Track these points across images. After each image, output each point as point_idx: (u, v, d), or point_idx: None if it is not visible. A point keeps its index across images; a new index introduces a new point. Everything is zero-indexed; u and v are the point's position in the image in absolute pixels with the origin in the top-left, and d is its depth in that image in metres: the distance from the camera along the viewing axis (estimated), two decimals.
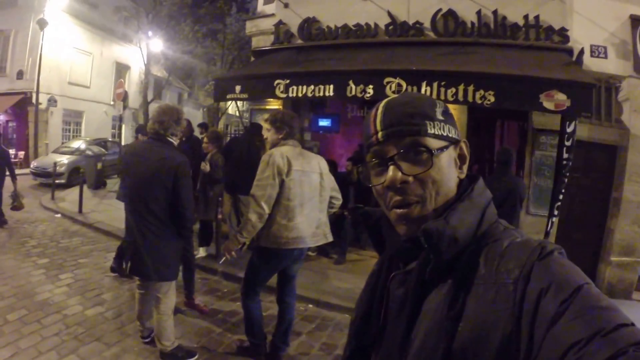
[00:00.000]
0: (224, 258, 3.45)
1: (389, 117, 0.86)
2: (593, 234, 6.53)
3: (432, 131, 0.84)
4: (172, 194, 3.14)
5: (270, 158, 3.17)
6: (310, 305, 4.93)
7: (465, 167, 0.91)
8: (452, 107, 6.26)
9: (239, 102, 24.45)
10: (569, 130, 5.09)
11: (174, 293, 3.50)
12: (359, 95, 5.45)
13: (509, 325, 0.68)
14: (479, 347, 0.70)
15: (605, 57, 6.26)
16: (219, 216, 6.15)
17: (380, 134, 0.86)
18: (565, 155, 5.11)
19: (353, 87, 5.46)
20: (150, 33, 20.31)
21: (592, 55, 6.21)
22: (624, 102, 6.29)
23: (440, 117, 0.86)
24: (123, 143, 15.10)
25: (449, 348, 0.73)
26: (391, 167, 0.84)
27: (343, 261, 6.42)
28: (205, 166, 5.69)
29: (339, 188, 3.69)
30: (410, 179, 0.83)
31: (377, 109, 0.88)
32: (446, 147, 0.86)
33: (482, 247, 0.80)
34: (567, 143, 5.10)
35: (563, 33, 6.13)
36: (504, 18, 6.38)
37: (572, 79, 4.88)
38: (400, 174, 0.82)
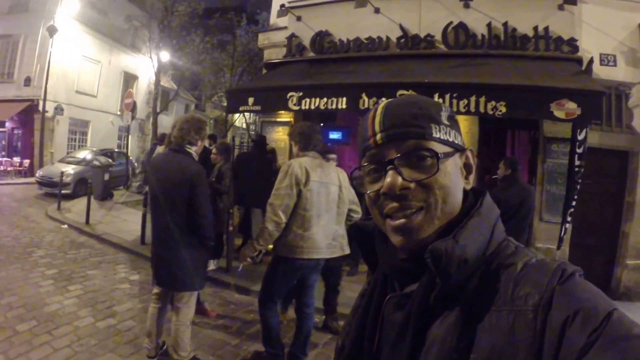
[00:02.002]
0: (241, 265, 3.52)
1: (390, 118, 0.77)
2: (607, 238, 6.58)
3: (438, 135, 0.77)
4: (189, 204, 3.13)
5: (290, 168, 3.22)
6: (324, 317, 4.88)
7: (471, 178, 0.83)
8: (463, 118, 6.29)
9: (246, 114, 24.66)
10: (580, 137, 5.15)
11: (194, 303, 3.47)
12: (372, 107, 5.43)
13: (529, 357, 0.61)
14: None
15: (615, 65, 6.38)
16: (230, 228, 6.12)
17: (379, 136, 0.78)
18: (577, 163, 5.18)
19: (366, 99, 5.50)
20: (160, 43, 20.38)
21: (601, 64, 6.31)
22: (635, 108, 6.41)
23: (446, 122, 0.79)
24: (129, 154, 15.16)
25: None
26: (390, 172, 0.75)
27: (356, 272, 6.36)
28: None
29: None
30: (412, 185, 0.75)
31: (376, 109, 0.81)
32: (452, 154, 0.78)
33: (493, 269, 0.72)
34: (579, 150, 5.17)
35: (572, 43, 6.19)
36: (514, 30, 6.44)
37: (582, 88, 4.95)
38: (400, 179, 0.74)
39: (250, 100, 6.15)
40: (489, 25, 6.52)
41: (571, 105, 4.76)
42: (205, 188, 3.21)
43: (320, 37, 7.41)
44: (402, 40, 6.95)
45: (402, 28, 6.96)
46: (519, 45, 6.40)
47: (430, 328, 0.73)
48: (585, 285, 0.65)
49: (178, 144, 3.27)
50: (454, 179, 0.77)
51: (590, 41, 6.27)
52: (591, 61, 5.57)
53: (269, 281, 3.44)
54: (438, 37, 6.77)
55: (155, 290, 3.50)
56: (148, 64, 21.72)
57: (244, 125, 26.82)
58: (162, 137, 7.42)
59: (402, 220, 0.75)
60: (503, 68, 5.99)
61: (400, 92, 5.29)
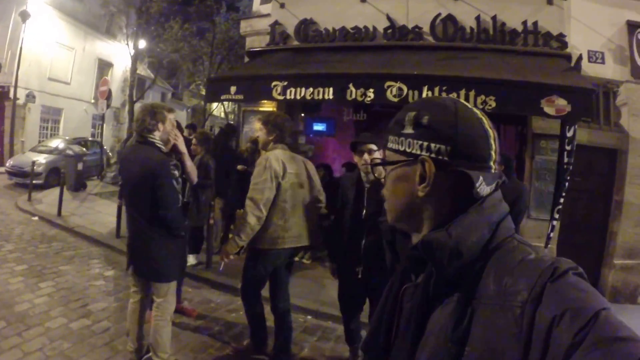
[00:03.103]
0: (222, 263, 3.45)
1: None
2: (595, 237, 6.59)
3: (391, 145, 0.88)
4: (152, 196, 3.01)
5: (267, 162, 3.29)
6: (310, 317, 4.74)
7: (424, 186, 0.82)
8: None
9: (225, 104, 24.24)
10: (569, 134, 5.14)
11: (173, 297, 3.32)
12: (359, 99, 5.34)
13: (516, 355, 0.62)
14: None
15: (603, 63, 6.39)
16: (211, 221, 5.91)
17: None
18: (565, 160, 5.18)
19: (353, 90, 5.34)
20: (138, 29, 19.76)
21: (589, 61, 6.31)
22: (622, 107, 6.41)
23: (409, 131, 0.84)
24: (104, 143, 14.68)
25: None
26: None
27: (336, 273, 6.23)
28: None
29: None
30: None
31: None
32: (400, 164, 0.86)
33: (491, 263, 0.74)
34: (568, 147, 5.17)
35: (561, 39, 6.16)
36: (503, 24, 6.37)
37: (572, 85, 4.94)
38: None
39: (233, 88, 5.90)
40: (477, 18, 6.41)
41: (561, 102, 4.75)
42: (166, 180, 3.04)
43: (305, 26, 7.16)
44: (389, 31, 6.78)
45: (389, 18, 6.78)
46: (508, 40, 6.33)
47: (430, 317, 0.78)
48: (577, 283, 0.65)
49: (140, 135, 3.16)
50: (392, 185, 0.88)
51: (578, 37, 6.25)
52: (580, 58, 5.61)
53: (251, 275, 3.48)
54: (426, 28, 6.63)
55: (133, 287, 3.35)
56: (124, 51, 21.03)
57: (223, 115, 26.35)
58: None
59: None
60: (492, 62, 5.90)
61: (388, 83, 5.22)
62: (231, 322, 4.45)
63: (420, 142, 0.82)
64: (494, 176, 0.83)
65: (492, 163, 0.82)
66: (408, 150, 0.83)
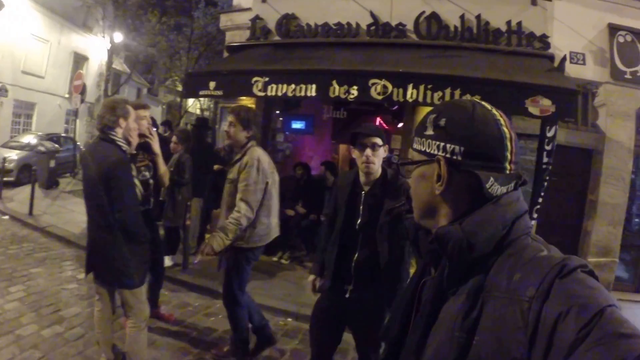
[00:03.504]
0: (199, 257, 3.29)
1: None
2: (570, 236, 6.67)
3: (416, 146, 0.93)
4: (107, 197, 2.82)
5: (259, 164, 3.27)
6: (290, 319, 4.62)
7: (439, 185, 0.87)
8: None
9: (201, 100, 23.86)
10: (549, 134, 5.14)
11: (143, 302, 3.12)
12: (343, 96, 5.26)
13: (521, 347, 0.64)
14: None
15: (584, 64, 6.46)
16: (187, 222, 5.73)
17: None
18: (545, 160, 5.19)
19: (337, 87, 5.27)
20: (114, 22, 19.25)
21: (571, 62, 6.36)
22: (600, 108, 6.53)
23: (430, 132, 0.90)
24: (77, 139, 14.25)
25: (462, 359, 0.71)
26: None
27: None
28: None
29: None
30: None
31: None
32: (424, 163, 0.91)
33: (504, 258, 0.77)
34: (547, 147, 5.18)
35: (544, 40, 6.21)
36: (487, 23, 6.37)
37: (557, 85, 4.98)
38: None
39: (212, 84, 5.72)
40: (462, 17, 6.39)
41: (546, 102, 4.79)
42: (120, 181, 2.85)
43: (287, 20, 7.00)
44: (373, 27, 6.70)
45: (373, 15, 6.69)
46: (492, 39, 6.34)
47: (443, 307, 0.81)
48: (585, 280, 0.67)
49: (101, 132, 2.97)
50: (415, 183, 0.93)
51: (561, 39, 6.30)
52: (564, 59, 5.64)
53: (237, 276, 3.40)
54: (410, 26, 6.57)
55: (97, 294, 3.17)
56: (100, 45, 20.47)
57: (198, 111, 25.98)
58: None
59: None
60: (476, 61, 5.89)
61: (372, 80, 5.16)
62: (210, 327, 4.29)
63: (437, 142, 0.87)
64: (510, 176, 0.85)
65: (507, 164, 0.84)
66: (428, 150, 0.89)
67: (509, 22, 6.26)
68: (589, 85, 6.46)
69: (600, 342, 0.57)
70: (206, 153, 6.54)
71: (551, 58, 6.06)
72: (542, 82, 4.97)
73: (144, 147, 3.44)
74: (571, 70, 6.22)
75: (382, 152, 2.52)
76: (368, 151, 2.46)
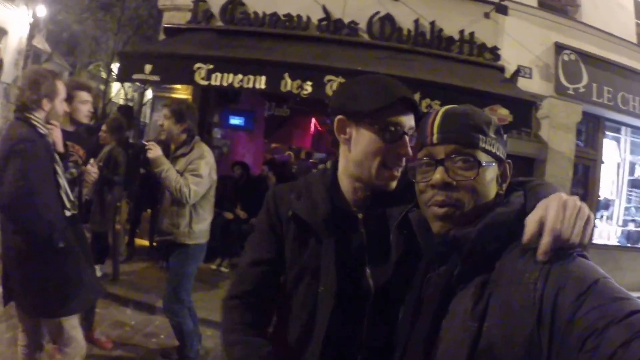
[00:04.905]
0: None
1: (449, 124, 0.90)
2: None
3: (484, 146, 0.89)
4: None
5: (209, 157, 3.27)
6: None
7: (505, 186, 0.94)
8: None
9: (125, 88, 22.06)
10: None
11: (77, 332, 2.38)
12: (295, 91, 4.85)
13: (530, 325, 0.70)
14: (505, 347, 0.72)
15: (530, 77, 6.69)
16: (117, 227, 4.91)
17: (435, 136, 0.90)
18: None
19: (289, 81, 4.85)
20: None
21: (519, 75, 6.52)
22: (543, 119, 6.85)
23: (493, 135, 0.91)
24: None
25: (475, 347, 0.75)
26: (440, 169, 0.88)
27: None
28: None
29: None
30: (454, 183, 0.87)
31: (437, 113, 0.93)
32: (491, 163, 0.90)
33: (509, 250, 0.83)
34: None
35: (495, 52, 6.34)
36: (440, 30, 6.36)
37: (515, 96, 5.09)
38: (446, 176, 0.87)
39: (148, 67, 4.94)
40: (416, 21, 6.30)
41: (504, 112, 4.82)
42: (19, 162, 2.09)
43: (233, 6, 6.39)
44: (324, 22, 6.34)
45: (325, 10, 6.33)
46: (444, 46, 6.32)
47: (452, 301, 0.87)
48: (581, 262, 0.75)
49: (17, 110, 2.28)
50: (487, 184, 0.91)
51: (510, 52, 6.46)
52: (518, 71, 5.88)
53: (183, 276, 3.25)
54: (362, 25, 6.33)
55: (20, 325, 2.43)
56: (22, 18, 18.16)
57: (122, 101, 23.97)
58: None
59: (445, 209, 0.88)
60: (429, 66, 5.79)
61: (328, 77, 4.85)
62: (152, 349, 3.68)
63: (501, 146, 0.94)
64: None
65: None
66: (497, 153, 0.92)
67: (462, 32, 6.30)
68: (534, 98, 6.67)
69: (596, 305, 0.65)
70: (130, 145, 5.72)
71: (501, 69, 6.20)
72: (500, 92, 5.01)
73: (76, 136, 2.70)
74: (519, 82, 6.39)
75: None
76: (406, 140, 1.14)
